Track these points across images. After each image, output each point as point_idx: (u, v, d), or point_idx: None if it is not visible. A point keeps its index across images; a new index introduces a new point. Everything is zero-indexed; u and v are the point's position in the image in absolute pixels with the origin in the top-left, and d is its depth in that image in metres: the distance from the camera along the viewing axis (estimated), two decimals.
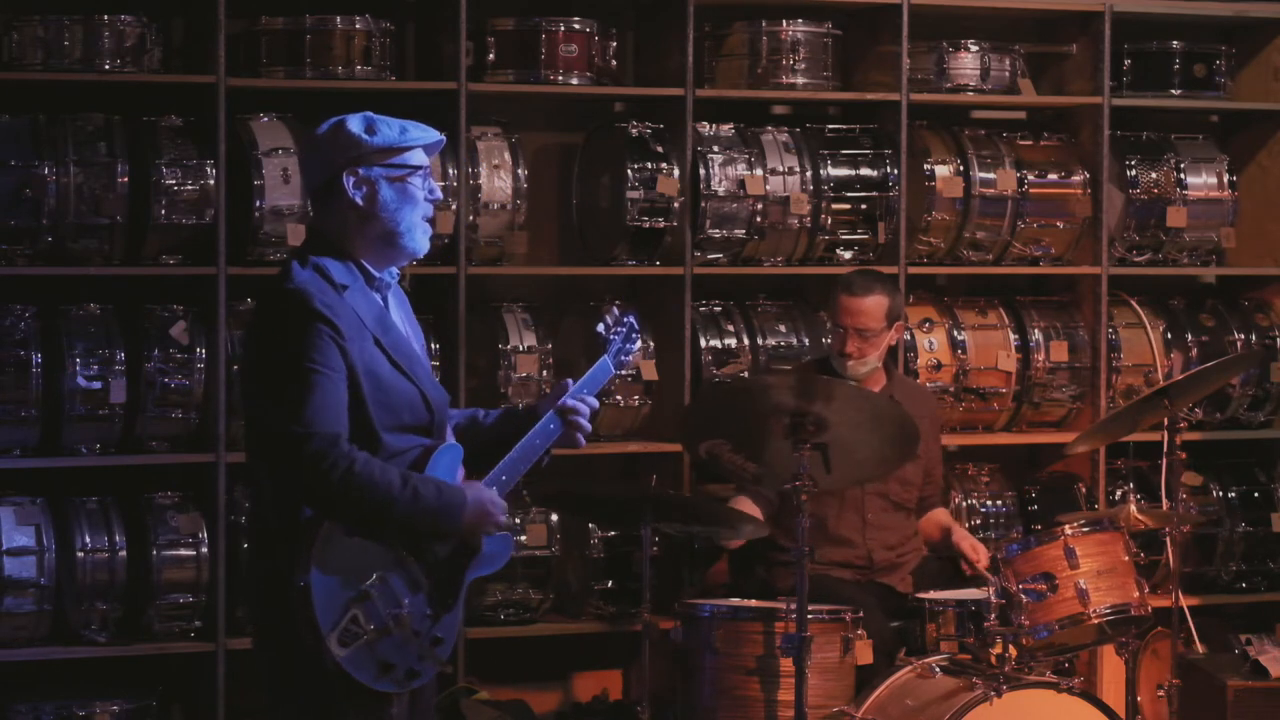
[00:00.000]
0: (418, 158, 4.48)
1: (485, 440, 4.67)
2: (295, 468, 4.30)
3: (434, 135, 4.52)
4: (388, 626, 4.36)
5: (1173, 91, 7.61)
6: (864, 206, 7.20)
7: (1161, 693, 6.47)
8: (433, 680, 4.59)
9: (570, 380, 4.73)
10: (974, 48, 7.35)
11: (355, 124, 4.43)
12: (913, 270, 7.24)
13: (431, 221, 4.55)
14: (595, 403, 4.72)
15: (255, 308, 4.69)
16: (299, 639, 4.32)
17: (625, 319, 4.91)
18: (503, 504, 4.51)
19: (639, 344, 4.94)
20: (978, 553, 6.49)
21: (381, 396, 4.39)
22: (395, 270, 4.54)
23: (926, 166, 7.30)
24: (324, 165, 4.45)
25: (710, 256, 7.09)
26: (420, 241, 4.49)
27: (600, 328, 4.88)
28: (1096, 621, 6.04)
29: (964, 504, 7.30)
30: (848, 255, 7.17)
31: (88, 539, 6.45)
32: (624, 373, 4.96)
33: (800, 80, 7.17)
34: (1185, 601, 6.83)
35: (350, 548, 4.34)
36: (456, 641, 6.61)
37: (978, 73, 7.35)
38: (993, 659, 5.92)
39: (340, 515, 4.33)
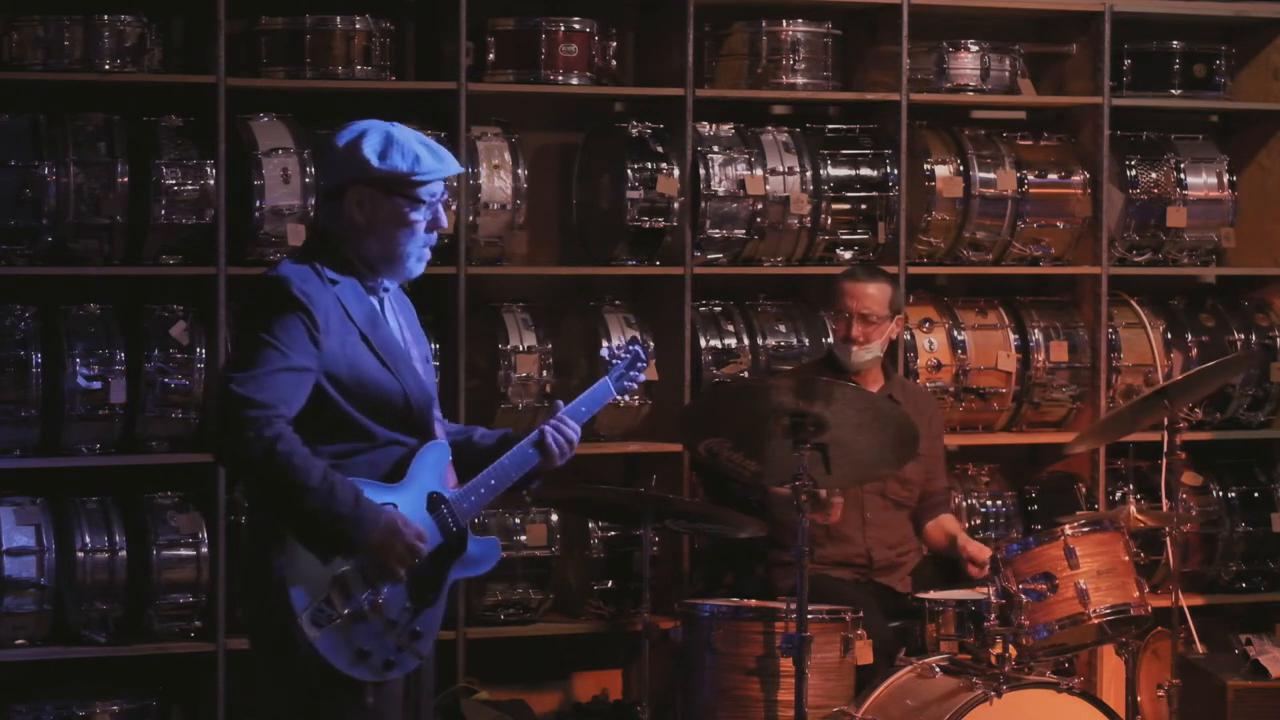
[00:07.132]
0: (427, 191, 4.48)
1: (473, 462, 4.65)
2: (223, 427, 4.31)
3: (449, 170, 4.50)
4: (363, 612, 4.37)
5: (1173, 91, 7.60)
6: (864, 206, 7.20)
7: (1161, 693, 6.47)
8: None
9: (560, 402, 4.75)
10: (974, 48, 7.35)
11: (371, 143, 4.45)
12: (913, 270, 7.24)
13: (434, 250, 4.57)
14: (574, 433, 4.68)
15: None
16: (277, 624, 4.33)
17: (631, 346, 4.93)
18: (422, 542, 4.41)
19: (644, 375, 4.95)
20: (984, 554, 6.47)
21: (360, 390, 4.42)
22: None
23: (926, 166, 7.30)
24: (334, 172, 4.51)
25: (710, 256, 7.09)
26: (413, 268, 4.52)
27: (605, 352, 4.92)
28: (1096, 621, 6.04)
29: (964, 504, 7.29)
30: (848, 255, 7.16)
31: (88, 539, 6.45)
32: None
33: (800, 80, 7.17)
34: (1185, 601, 6.83)
35: None
36: (457, 641, 6.68)
37: (978, 73, 7.34)
38: (993, 659, 5.91)
39: (251, 485, 4.38)
